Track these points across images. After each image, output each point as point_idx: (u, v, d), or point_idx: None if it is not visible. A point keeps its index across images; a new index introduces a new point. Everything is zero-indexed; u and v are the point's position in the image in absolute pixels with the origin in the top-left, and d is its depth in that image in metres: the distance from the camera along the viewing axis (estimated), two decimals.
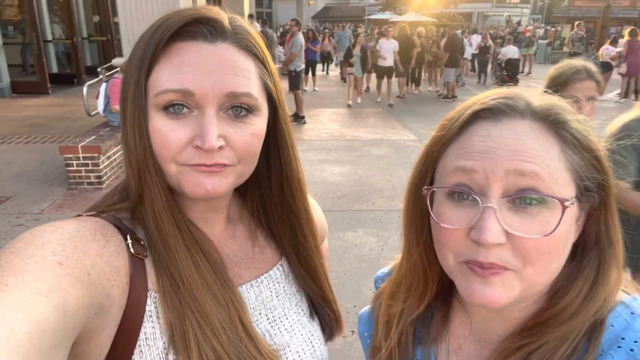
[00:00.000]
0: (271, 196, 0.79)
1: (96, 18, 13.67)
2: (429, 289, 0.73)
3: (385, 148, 7.49)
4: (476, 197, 0.56)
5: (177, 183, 0.65)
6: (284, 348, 0.75)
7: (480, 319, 0.69)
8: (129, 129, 0.63)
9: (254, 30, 0.69)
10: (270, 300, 0.78)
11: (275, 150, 0.75)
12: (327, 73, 17.55)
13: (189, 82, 0.60)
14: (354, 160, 6.80)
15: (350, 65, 11.24)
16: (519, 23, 36.85)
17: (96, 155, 5.29)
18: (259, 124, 0.67)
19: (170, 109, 0.62)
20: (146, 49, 0.62)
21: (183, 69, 0.61)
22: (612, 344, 0.56)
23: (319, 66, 15.50)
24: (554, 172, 0.55)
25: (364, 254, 4.07)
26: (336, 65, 16.94)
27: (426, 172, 0.66)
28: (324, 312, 0.85)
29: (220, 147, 0.62)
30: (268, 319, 0.76)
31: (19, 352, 0.45)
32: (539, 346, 0.59)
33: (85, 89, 6.76)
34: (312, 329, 0.81)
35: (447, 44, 12.35)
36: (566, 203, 0.55)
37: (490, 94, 0.63)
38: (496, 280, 0.56)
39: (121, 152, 5.80)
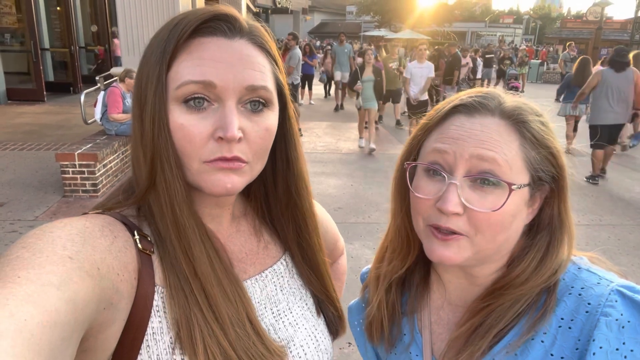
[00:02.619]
0: (276, 193, 0.80)
1: (94, 28, 13.75)
2: (411, 252, 0.84)
3: (381, 162, 7.52)
4: (444, 174, 0.69)
5: (196, 180, 0.66)
6: (288, 342, 0.76)
7: (453, 287, 0.81)
8: (146, 123, 0.63)
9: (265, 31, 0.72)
10: (274, 294, 0.79)
11: (282, 147, 0.76)
12: (328, 95, 14.60)
13: (211, 74, 0.62)
14: (350, 174, 6.83)
15: (358, 95, 8.22)
16: (511, 43, 37.48)
17: (92, 163, 5.27)
18: (272, 118, 0.69)
19: (191, 102, 0.63)
20: (166, 45, 0.63)
21: (204, 62, 0.62)
22: (564, 292, 0.69)
23: (319, 89, 14.21)
24: (510, 160, 0.67)
25: (360, 266, 4.05)
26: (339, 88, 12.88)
27: (411, 151, 0.80)
28: (327, 309, 0.86)
29: (239, 139, 0.64)
30: (273, 313, 0.77)
31: (32, 342, 0.45)
32: (497, 306, 0.72)
33: (82, 97, 6.77)
34: (316, 323, 0.82)
35: (453, 62, 11.54)
36: (513, 187, 0.67)
37: (471, 92, 0.74)
38: (452, 243, 0.70)
39: (117, 160, 5.83)
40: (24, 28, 10.56)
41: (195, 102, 0.63)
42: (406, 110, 10.10)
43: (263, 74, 0.66)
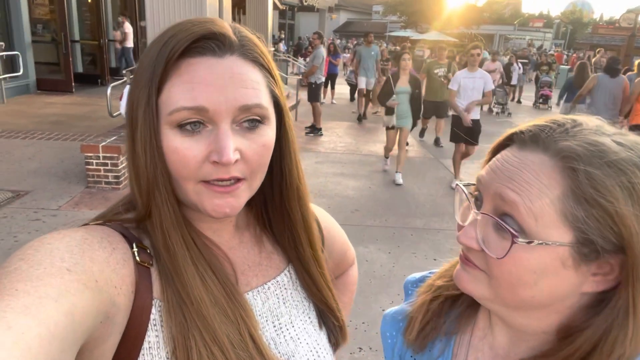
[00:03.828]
0: (273, 202, 0.79)
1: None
2: None
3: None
4: (471, 204, 0.65)
5: (194, 202, 0.65)
6: (289, 357, 0.75)
7: (499, 331, 0.73)
8: (139, 147, 0.63)
9: (259, 40, 0.70)
10: (277, 307, 0.78)
11: (278, 157, 0.75)
12: (353, 99, 13.30)
13: (202, 99, 0.61)
14: (368, 175, 6.80)
15: (389, 110, 6.40)
16: (539, 47, 36.77)
17: (116, 155, 5.37)
18: (269, 133, 0.68)
19: (187, 126, 0.62)
20: (155, 66, 0.62)
21: (195, 86, 0.61)
22: None
23: (341, 88, 13.35)
24: (537, 210, 0.57)
25: (374, 270, 4.05)
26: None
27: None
28: (328, 320, 0.84)
29: (236, 160, 0.63)
30: (274, 326, 0.76)
31: (29, 355, 0.45)
32: None
33: (109, 90, 6.89)
34: (319, 338, 0.81)
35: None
36: (517, 240, 0.57)
37: (538, 120, 0.64)
38: (468, 269, 0.66)
39: None
40: (56, 20, 10.81)
41: (189, 126, 0.62)
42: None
43: (256, 90, 0.65)
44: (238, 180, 0.65)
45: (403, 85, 6.32)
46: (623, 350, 0.57)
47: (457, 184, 0.71)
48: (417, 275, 0.92)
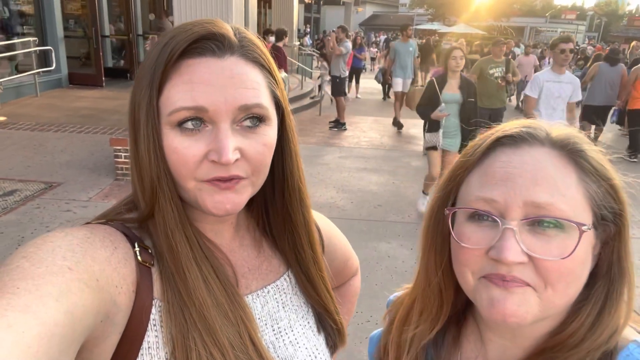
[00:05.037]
0: (274, 203, 0.79)
1: (152, 16, 14.21)
2: (443, 313, 0.74)
3: (425, 160, 7.39)
4: (496, 219, 0.60)
5: (195, 200, 0.66)
6: None
7: (494, 347, 0.70)
8: (142, 147, 0.64)
9: (260, 40, 0.70)
10: (276, 311, 0.78)
11: (279, 158, 0.74)
12: (387, 98, 12.95)
13: (201, 99, 0.61)
14: (392, 171, 6.77)
15: (432, 126, 4.76)
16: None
17: None
18: (270, 133, 0.68)
19: (187, 124, 0.63)
20: (155, 68, 0.63)
21: (194, 86, 0.62)
22: None
23: (365, 82, 13.10)
24: (570, 200, 0.58)
25: (396, 266, 4.04)
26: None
27: (449, 195, 0.69)
28: (326, 323, 0.84)
29: (236, 160, 0.63)
30: (273, 330, 0.76)
31: (29, 354, 0.45)
32: None
33: None
34: (318, 343, 0.81)
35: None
36: (583, 228, 0.57)
37: (512, 124, 0.66)
38: (517, 291, 0.58)
39: None
40: (87, 15, 11.07)
41: (191, 123, 0.63)
42: None
43: (256, 90, 0.65)
44: (239, 177, 0.65)
45: (452, 91, 4.65)
46: (628, 297, 0.61)
47: (449, 209, 0.67)
48: (398, 294, 0.89)
